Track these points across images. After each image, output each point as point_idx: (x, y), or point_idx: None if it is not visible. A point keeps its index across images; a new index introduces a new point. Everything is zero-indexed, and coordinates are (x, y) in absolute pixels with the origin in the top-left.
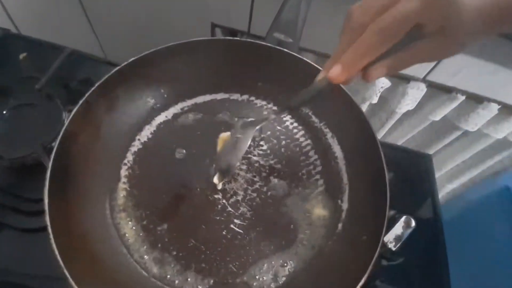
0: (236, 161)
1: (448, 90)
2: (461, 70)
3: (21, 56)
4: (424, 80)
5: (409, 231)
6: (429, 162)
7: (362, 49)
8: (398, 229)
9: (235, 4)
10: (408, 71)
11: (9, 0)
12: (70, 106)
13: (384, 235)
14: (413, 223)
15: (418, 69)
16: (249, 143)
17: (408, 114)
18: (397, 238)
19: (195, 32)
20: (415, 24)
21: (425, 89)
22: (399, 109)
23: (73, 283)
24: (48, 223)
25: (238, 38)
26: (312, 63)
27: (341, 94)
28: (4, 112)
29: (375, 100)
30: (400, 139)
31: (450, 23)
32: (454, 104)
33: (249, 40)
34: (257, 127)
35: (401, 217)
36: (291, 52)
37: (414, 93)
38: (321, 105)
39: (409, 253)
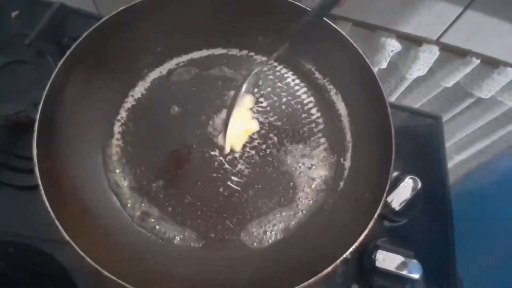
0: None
1: (462, 54)
2: (478, 31)
3: (13, 14)
4: (437, 42)
5: (414, 192)
6: (439, 124)
7: None
8: (402, 189)
9: None
10: (421, 32)
11: None
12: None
13: (388, 195)
14: (419, 184)
15: (432, 30)
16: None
17: (418, 81)
18: (401, 198)
19: None
20: None
21: (437, 53)
22: (410, 74)
23: (64, 234)
24: (38, 175)
25: None
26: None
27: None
28: None
29: (384, 65)
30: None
31: None
32: (468, 69)
33: None
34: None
35: (406, 177)
36: (293, 1)
37: (426, 57)
38: (325, 60)
39: (413, 215)
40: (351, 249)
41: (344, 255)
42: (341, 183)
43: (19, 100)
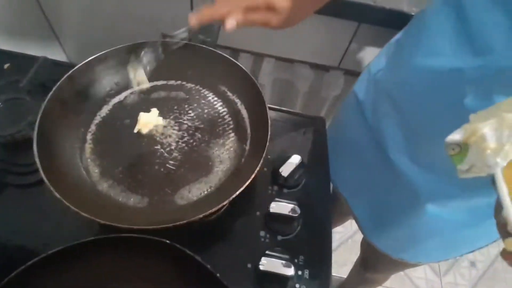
0: None
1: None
2: (368, 57)
3: (6, 66)
4: (339, 68)
5: (296, 163)
6: (322, 122)
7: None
8: (289, 163)
9: (177, 15)
10: (325, 60)
11: None
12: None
13: (279, 167)
14: (299, 159)
15: (334, 58)
16: None
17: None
18: (288, 169)
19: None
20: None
21: (343, 76)
22: (327, 95)
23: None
24: (39, 165)
25: (170, 40)
26: (226, 55)
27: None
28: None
29: (306, 89)
30: None
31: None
32: None
33: (179, 41)
34: None
35: (291, 156)
36: (210, 48)
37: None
38: (233, 83)
39: (298, 180)
40: (237, 192)
41: (233, 196)
42: (242, 159)
43: (18, 124)
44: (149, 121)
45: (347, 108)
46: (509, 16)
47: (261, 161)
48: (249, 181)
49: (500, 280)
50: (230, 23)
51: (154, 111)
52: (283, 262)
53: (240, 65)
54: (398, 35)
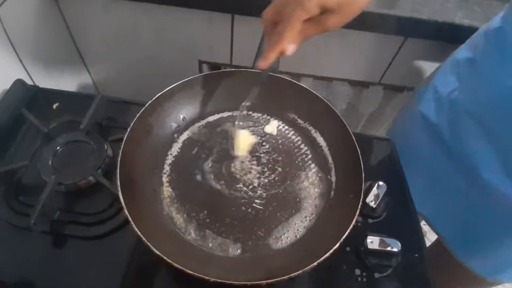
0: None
1: (400, 90)
2: (410, 69)
3: (54, 105)
4: (380, 83)
5: (383, 192)
6: (392, 144)
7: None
8: (375, 191)
9: (217, 42)
10: (366, 77)
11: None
12: (110, 136)
13: (366, 197)
14: (385, 187)
15: (375, 74)
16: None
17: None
18: (376, 198)
19: (185, 68)
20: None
21: (382, 91)
22: (364, 110)
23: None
24: (126, 211)
25: (229, 70)
26: (290, 79)
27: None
28: (58, 148)
29: (344, 106)
30: None
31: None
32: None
33: (242, 69)
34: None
35: (376, 183)
36: (274, 74)
37: (374, 96)
38: (302, 109)
39: (385, 209)
40: (345, 235)
41: (341, 240)
42: (332, 192)
43: (80, 170)
44: (247, 140)
45: (413, 129)
46: None
47: (361, 196)
48: (353, 221)
49: None
50: (291, 50)
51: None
52: None
53: (309, 88)
54: (464, 53)
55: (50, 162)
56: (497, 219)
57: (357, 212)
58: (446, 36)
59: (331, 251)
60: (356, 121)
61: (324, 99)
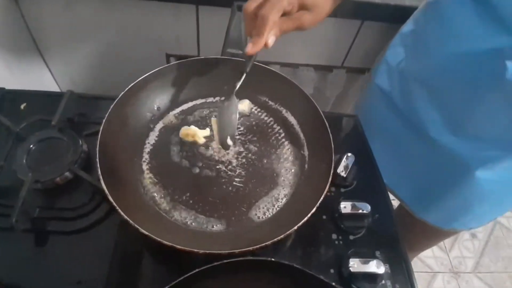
0: (233, 130)
1: (362, 71)
2: (370, 53)
3: (22, 106)
4: (342, 67)
5: (352, 162)
6: (357, 120)
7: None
8: (344, 162)
9: (183, 34)
10: (328, 61)
11: None
12: (84, 131)
13: (336, 168)
14: (353, 158)
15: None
16: (237, 110)
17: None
18: (346, 169)
19: (152, 62)
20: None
21: (345, 74)
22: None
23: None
24: (110, 198)
25: (201, 58)
26: (261, 64)
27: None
28: (31, 146)
29: (311, 91)
30: None
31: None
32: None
33: (212, 57)
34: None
35: (344, 155)
36: (243, 60)
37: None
38: (273, 91)
39: (357, 180)
40: (321, 199)
41: (317, 204)
42: (306, 165)
43: (57, 166)
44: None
45: (373, 101)
46: None
47: (332, 166)
48: (327, 187)
49: (504, 246)
50: (272, 40)
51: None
52: (370, 260)
53: (278, 72)
54: (409, 26)
55: (24, 161)
56: (445, 173)
57: (329, 179)
58: (399, 18)
59: (309, 215)
60: (324, 104)
61: (292, 80)
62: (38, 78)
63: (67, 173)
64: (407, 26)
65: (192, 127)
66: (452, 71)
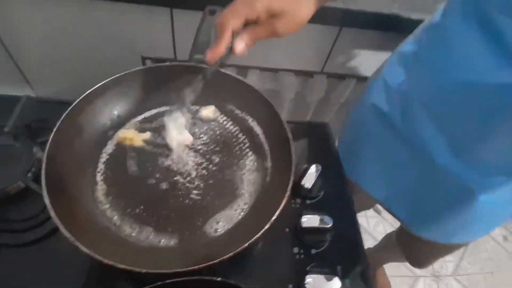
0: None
1: (342, 77)
2: (349, 60)
3: None
4: (322, 72)
5: (318, 173)
6: (328, 129)
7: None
8: (310, 173)
9: (158, 36)
10: (309, 66)
11: None
12: (40, 138)
13: (301, 180)
14: (320, 169)
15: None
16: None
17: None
18: (311, 180)
19: (128, 65)
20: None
21: (326, 80)
22: (311, 99)
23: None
24: (53, 213)
25: (164, 64)
26: (229, 73)
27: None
28: None
29: (292, 95)
30: None
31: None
32: (350, 87)
33: (177, 63)
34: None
35: (311, 166)
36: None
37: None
38: (240, 100)
39: (323, 191)
40: (275, 216)
41: (271, 221)
42: (267, 178)
43: (8, 175)
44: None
45: (367, 119)
46: None
47: (292, 178)
48: (284, 200)
49: (481, 249)
50: (240, 47)
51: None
52: (328, 276)
53: (246, 81)
54: (410, 46)
55: None
56: (446, 195)
57: (288, 192)
58: (376, 25)
59: (262, 231)
60: (305, 110)
61: (258, 89)
62: (11, 82)
63: (19, 183)
64: (408, 46)
65: (131, 129)
66: (459, 100)
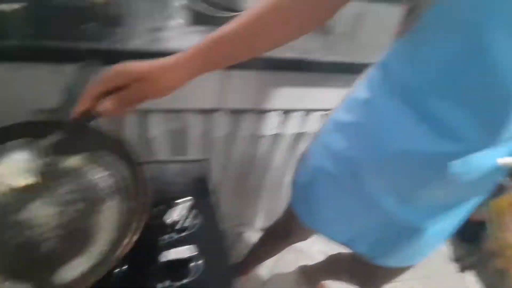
0: None
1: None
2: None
3: None
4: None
5: (189, 208)
6: (208, 164)
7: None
8: (181, 208)
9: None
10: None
11: None
12: None
13: (172, 214)
14: (192, 204)
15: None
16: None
17: None
18: (182, 215)
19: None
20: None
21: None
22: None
23: None
24: None
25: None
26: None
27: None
28: None
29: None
30: None
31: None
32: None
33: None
34: None
35: (183, 201)
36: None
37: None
38: (105, 148)
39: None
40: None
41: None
42: (128, 218)
43: None
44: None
45: (318, 179)
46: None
47: (147, 215)
48: (126, 240)
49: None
50: (101, 108)
51: None
52: None
53: (98, 128)
54: (348, 117)
55: None
56: (399, 232)
57: (139, 231)
58: (267, 67)
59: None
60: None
61: (115, 132)
62: None
63: None
64: (343, 116)
65: None
66: (399, 165)
